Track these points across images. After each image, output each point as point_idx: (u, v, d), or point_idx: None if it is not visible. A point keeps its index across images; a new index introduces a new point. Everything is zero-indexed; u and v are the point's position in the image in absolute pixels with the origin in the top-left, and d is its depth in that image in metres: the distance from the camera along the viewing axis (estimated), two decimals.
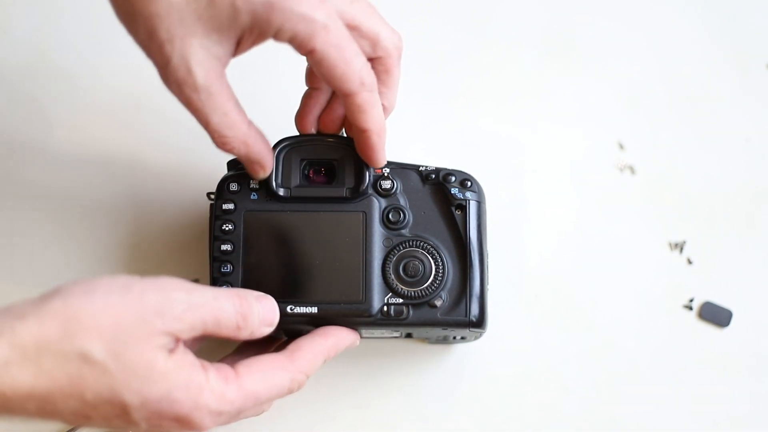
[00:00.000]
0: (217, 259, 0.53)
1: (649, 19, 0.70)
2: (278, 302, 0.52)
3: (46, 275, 0.62)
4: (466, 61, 0.68)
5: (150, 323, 0.41)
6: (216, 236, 0.53)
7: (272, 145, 0.54)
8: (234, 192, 0.54)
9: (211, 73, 0.46)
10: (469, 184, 0.54)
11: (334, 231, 0.53)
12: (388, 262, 0.53)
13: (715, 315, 0.62)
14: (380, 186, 0.54)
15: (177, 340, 0.43)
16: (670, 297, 0.63)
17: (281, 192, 0.54)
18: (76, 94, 0.67)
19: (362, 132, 0.50)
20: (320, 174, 0.55)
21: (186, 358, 0.43)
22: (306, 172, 0.55)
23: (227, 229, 0.53)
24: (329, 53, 0.46)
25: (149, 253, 0.63)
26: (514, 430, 0.60)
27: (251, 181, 0.54)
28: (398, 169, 0.55)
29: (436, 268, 0.53)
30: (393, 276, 0.53)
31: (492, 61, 0.69)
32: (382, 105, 0.50)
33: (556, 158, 0.66)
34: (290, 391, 0.47)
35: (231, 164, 0.56)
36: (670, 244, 0.64)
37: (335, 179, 0.54)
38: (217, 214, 0.54)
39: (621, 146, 0.66)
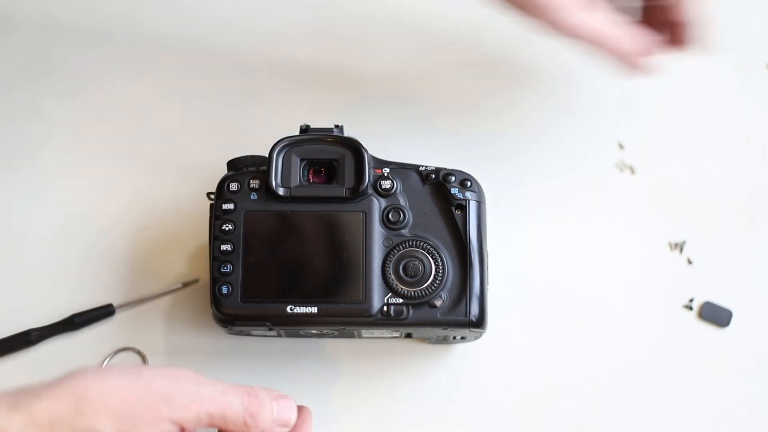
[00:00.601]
0: (217, 259, 0.53)
1: None
2: (278, 302, 0.52)
3: (46, 276, 0.62)
4: (465, 61, 0.68)
5: (157, 409, 0.43)
6: (216, 236, 0.53)
7: (272, 145, 0.54)
8: (234, 192, 0.54)
9: None
10: (469, 184, 0.54)
11: (334, 231, 0.53)
12: (388, 262, 0.53)
13: (715, 315, 0.62)
14: (380, 186, 0.54)
15: (182, 429, 0.44)
16: (670, 297, 0.62)
17: (281, 192, 0.54)
18: (76, 94, 0.67)
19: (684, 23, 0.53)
20: (320, 174, 0.55)
21: None
22: (306, 172, 0.55)
23: (227, 229, 0.53)
24: None
25: (149, 253, 0.63)
26: (514, 430, 0.60)
27: (251, 181, 0.54)
28: (398, 169, 0.55)
29: (436, 268, 0.53)
30: (393, 276, 0.53)
31: (493, 60, 0.69)
32: None
33: (556, 158, 0.66)
34: None
35: (231, 164, 0.56)
36: (670, 244, 0.64)
37: (335, 179, 0.54)
38: (217, 214, 0.54)
39: (621, 146, 0.66)
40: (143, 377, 0.44)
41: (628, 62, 0.54)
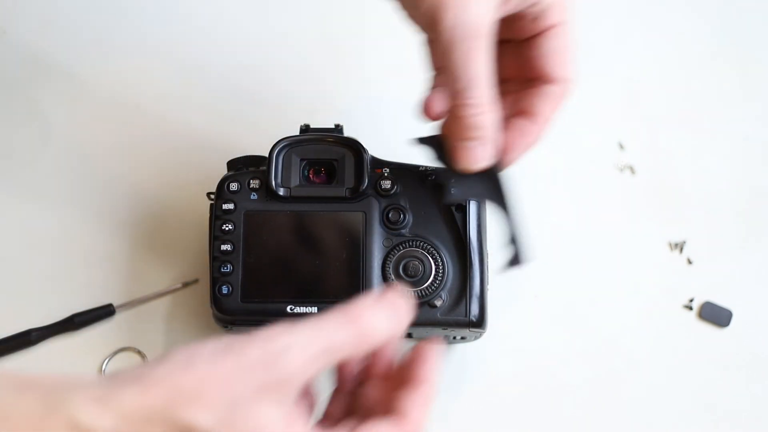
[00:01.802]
0: (217, 259, 0.53)
1: (649, 19, 0.70)
2: (278, 302, 0.52)
3: (46, 276, 0.62)
4: None
5: (257, 379, 0.38)
6: (216, 236, 0.53)
7: (272, 145, 0.54)
8: (234, 192, 0.54)
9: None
10: None
11: (334, 231, 0.53)
12: (388, 262, 0.53)
13: (715, 315, 0.62)
14: (380, 186, 0.54)
15: (290, 393, 0.39)
16: (670, 297, 0.62)
17: (281, 192, 0.54)
18: (76, 94, 0.67)
19: (545, 123, 0.49)
20: (320, 174, 0.55)
21: (302, 430, 0.39)
22: (306, 172, 0.55)
23: (227, 229, 0.53)
24: (570, 32, 0.45)
25: (149, 253, 0.63)
26: (513, 430, 0.60)
27: (251, 181, 0.54)
28: (398, 169, 0.55)
29: (436, 268, 0.53)
30: (393, 276, 0.53)
31: None
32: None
33: (556, 158, 0.66)
34: None
35: (231, 164, 0.56)
36: (670, 244, 0.64)
37: (335, 179, 0.54)
38: (217, 214, 0.54)
39: (621, 146, 0.66)
40: (235, 350, 0.38)
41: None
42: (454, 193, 0.50)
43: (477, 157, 0.46)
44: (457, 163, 0.46)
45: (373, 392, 0.45)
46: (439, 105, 0.48)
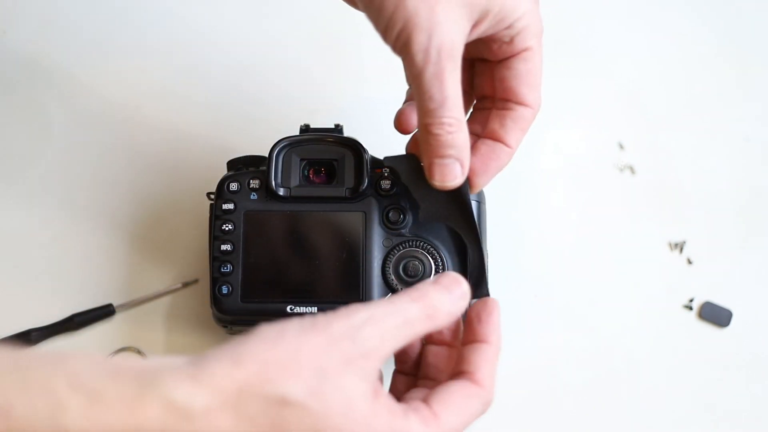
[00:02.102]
0: (217, 259, 0.53)
1: (649, 19, 0.70)
2: (278, 302, 0.52)
3: (46, 276, 0.62)
4: None
5: (345, 351, 0.39)
6: (216, 236, 0.53)
7: (272, 145, 0.54)
8: (234, 192, 0.54)
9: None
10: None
11: (334, 231, 0.53)
12: (387, 262, 0.53)
13: (715, 315, 0.62)
14: (380, 186, 0.54)
15: (373, 367, 0.41)
16: (670, 297, 0.62)
17: (281, 192, 0.54)
18: (76, 94, 0.67)
19: (508, 146, 0.50)
20: (320, 174, 0.55)
21: (386, 403, 0.41)
22: (306, 172, 0.55)
23: (227, 229, 0.53)
24: (539, 57, 0.47)
25: (149, 253, 0.63)
26: (513, 429, 0.60)
27: (251, 181, 0.54)
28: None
29: (435, 268, 0.53)
30: (393, 276, 0.53)
31: None
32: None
33: (556, 158, 0.66)
34: (482, 414, 0.45)
35: (231, 164, 0.56)
36: (670, 244, 0.64)
37: (335, 179, 0.54)
38: (217, 214, 0.54)
39: (621, 146, 0.66)
40: (319, 325, 0.40)
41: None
42: (423, 215, 0.51)
43: (453, 174, 0.47)
44: (433, 180, 0.47)
45: (436, 360, 0.47)
46: (415, 119, 0.50)
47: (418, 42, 0.44)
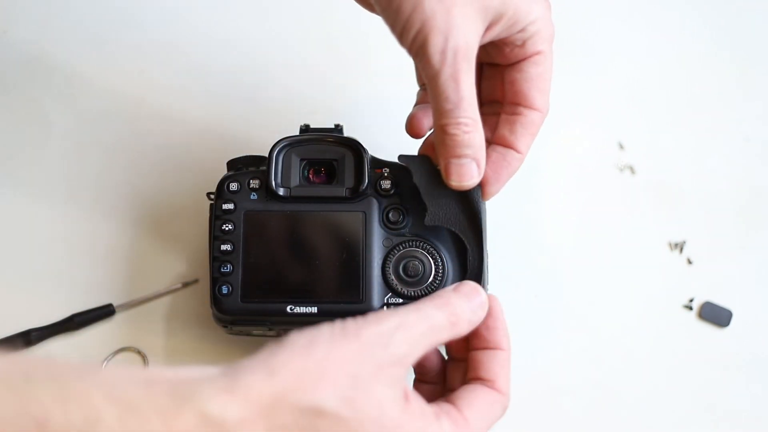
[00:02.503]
0: (217, 259, 0.53)
1: (649, 19, 0.70)
2: (278, 302, 0.52)
3: (46, 276, 0.62)
4: None
5: (377, 358, 0.40)
6: (216, 236, 0.53)
7: (272, 145, 0.54)
8: (234, 192, 0.54)
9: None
10: None
11: (334, 231, 0.53)
12: (387, 262, 0.53)
13: (715, 315, 0.62)
14: (380, 186, 0.54)
15: (403, 374, 0.41)
16: (670, 297, 0.62)
17: (281, 192, 0.54)
18: (76, 94, 0.67)
19: (517, 152, 0.50)
20: (320, 174, 0.55)
21: (418, 406, 0.42)
22: (306, 172, 0.55)
23: (227, 229, 0.53)
24: (550, 62, 0.47)
25: (149, 253, 0.63)
26: (513, 429, 0.60)
27: (251, 181, 0.54)
28: (398, 169, 0.55)
29: (435, 268, 0.53)
30: (393, 276, 0.53)
31: None
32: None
33: (556, 158, 0.66)
34: (500, 419, 0.46)
35: (231, 164, 0.56)
36: (670, 244, 0.64)
37: (335, 179, 0.54)
38: (217, 214, 0.54)
39: (621, 146, 0.66)
40: (350, 333, 0.40)
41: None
42: (430, 218, 0.52)
43: (470, 173, 0.48)
44: (450, 180, 0.48)
45: (453, 369, 0.49)
46: (427, 122, 0.50)
47: (435, 44, 0.44)
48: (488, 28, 0.46)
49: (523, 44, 0.48)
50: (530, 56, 0.49)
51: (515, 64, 0.49)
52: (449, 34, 0.44)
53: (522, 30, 0.47)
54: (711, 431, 0.60)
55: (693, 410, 0.60)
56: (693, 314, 0.62)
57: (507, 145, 0.50)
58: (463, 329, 0.45)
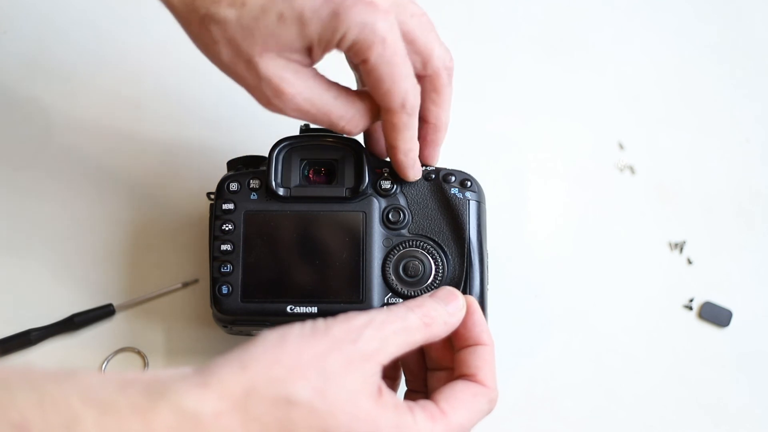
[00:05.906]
0: (217, 259, 0.53)
1: (649, 20, 0.70)
2: (278, 302, 0.52)
3: (46, 276, 0.62)
4: (466, 62, 0.68)
5: (347, 352, 0.41)
6: (216, 236, 0.53)
7: (272, 145, 0.54)
8: (234, 192, 0.54)
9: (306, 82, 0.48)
10: (469, 184, 0.54)
11: (334, 231, 0.53)
12: (387, 262, 0.53)
13: (715, 315, 0.62)
14: (380, 186, 0.54)
15: (375, 369, 0.42)
16: (670, 297, 0.63)
17: (281, 192, 0.54)
18: (76, 94, 0.67)
19: (390, 147, 0.51)
20: (320, 174, 0.55)
21: (391, 400, 0.42)
22: (306, 172, 0.55)
23: (227, 229, 0.53)
24: (380, 68, 0.47)
25: (149, 253, 0.63)
26: (513, 429, 0.60)
27: (251, 181, 0.54)
28: None
29: (435, 268, 0.53)
30: (393, 276, 0.53)
31: (492, 61, 0.69)
32: (429, 122, 0.52)
33: (556, 158, 0.66)
34: (488, 413, 0.46)
35: (231, 164, 0.56)
36: (670, 244, 0.64)
37: (335, 179, 0.54)
38: (217, 214, 0.54)
39: (621, 146, 0.66)
40: (319, 330, 0.42)
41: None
42: (413, 226, 0.54)
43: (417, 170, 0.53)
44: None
45: (436, 373, 0.49)
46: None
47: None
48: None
49: (350, 51, 0.48)
50: (360, 62, 0.48)
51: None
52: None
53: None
54: (711, 431, 0.60)
55: (693, 410, 0.60)
56: (693, 314, 0.62)
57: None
58: (439, 331, 0.46)
